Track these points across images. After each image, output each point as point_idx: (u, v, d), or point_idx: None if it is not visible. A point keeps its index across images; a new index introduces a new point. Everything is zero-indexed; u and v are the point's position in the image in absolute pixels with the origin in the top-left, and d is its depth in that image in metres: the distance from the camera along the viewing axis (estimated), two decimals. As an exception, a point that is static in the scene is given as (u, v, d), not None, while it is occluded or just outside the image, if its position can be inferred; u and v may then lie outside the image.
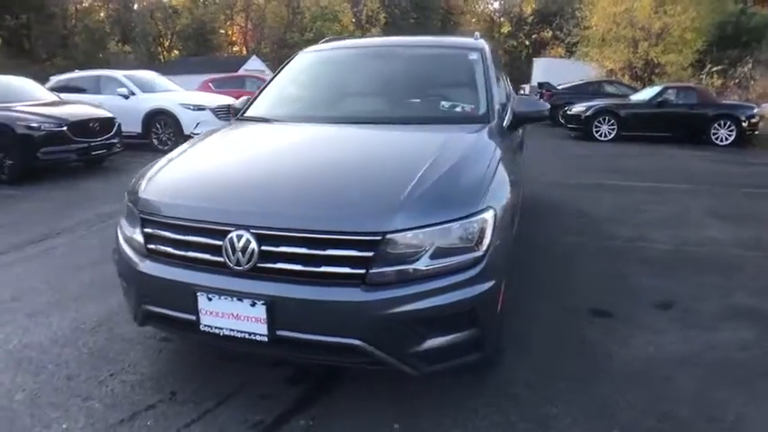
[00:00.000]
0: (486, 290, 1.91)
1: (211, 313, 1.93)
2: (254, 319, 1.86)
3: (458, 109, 2.94)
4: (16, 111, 6.81)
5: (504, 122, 2.91)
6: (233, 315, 1.89)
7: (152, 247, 2.09)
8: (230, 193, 2.12)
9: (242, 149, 2.75)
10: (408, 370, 1.90)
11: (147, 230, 2.11)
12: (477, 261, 1.89)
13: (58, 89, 10.07)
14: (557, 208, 5.72)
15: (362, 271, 1.80)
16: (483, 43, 3.48)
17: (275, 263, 1.86)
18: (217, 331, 1.95)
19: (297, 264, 1.84)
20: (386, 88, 3.24)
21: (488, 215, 1.95)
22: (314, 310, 1.82)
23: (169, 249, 2.05)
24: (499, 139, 2.63)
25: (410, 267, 1.82)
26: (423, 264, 1.83)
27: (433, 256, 1.84)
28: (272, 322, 1.84)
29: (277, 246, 1.86)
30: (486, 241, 1.92)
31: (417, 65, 3.37)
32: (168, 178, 2.35)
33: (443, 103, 2.98)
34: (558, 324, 2.97)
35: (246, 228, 1.88)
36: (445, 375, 2.34)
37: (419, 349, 1.87)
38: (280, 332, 1.86)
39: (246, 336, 1.90)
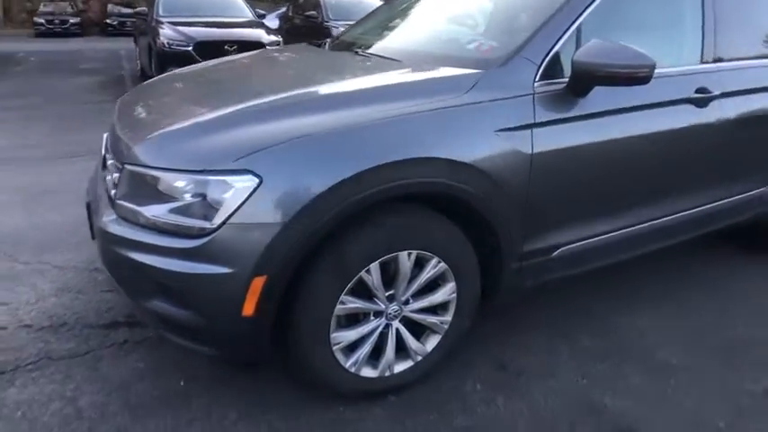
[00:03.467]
0: (207, 274, 1.52)
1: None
2: None
3: (471, 46, 2.28)
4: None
5: (536, 78, 1.88)
6: None
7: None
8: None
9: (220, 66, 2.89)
10: (147, 321, 1.83)
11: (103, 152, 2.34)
12: (202, 233, 1.53)
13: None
14: None
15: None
16: None
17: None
18: None
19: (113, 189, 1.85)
20: (449, 22, 2.74)
21: (238, 180, 1.51)
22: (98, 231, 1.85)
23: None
24: (473, 95, 1.79)
25: (138, 209, 1.64)
26: (151, 212, 1.61)
27: (174, 210, 1.58)
28: None
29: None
30: (226, 212, 1.50)
31: None
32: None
33: (468, 39, 2.36)
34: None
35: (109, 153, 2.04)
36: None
37: (150, 306, 1.68)
38: None
39: None
